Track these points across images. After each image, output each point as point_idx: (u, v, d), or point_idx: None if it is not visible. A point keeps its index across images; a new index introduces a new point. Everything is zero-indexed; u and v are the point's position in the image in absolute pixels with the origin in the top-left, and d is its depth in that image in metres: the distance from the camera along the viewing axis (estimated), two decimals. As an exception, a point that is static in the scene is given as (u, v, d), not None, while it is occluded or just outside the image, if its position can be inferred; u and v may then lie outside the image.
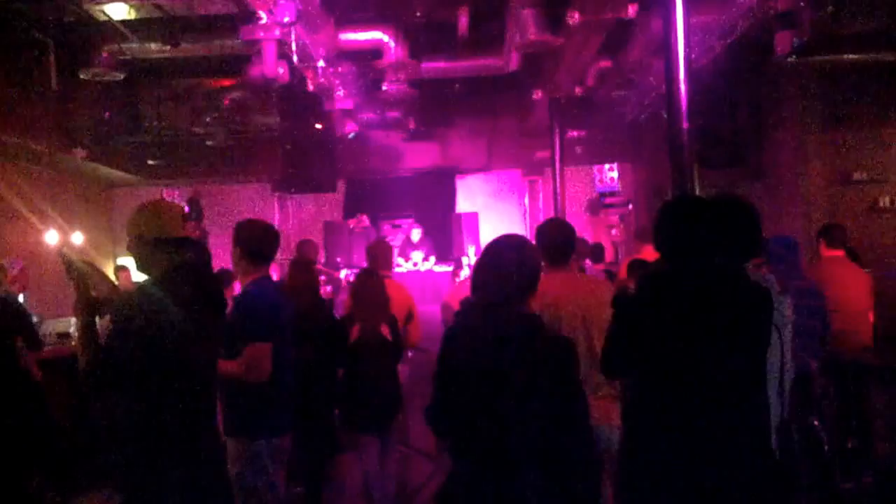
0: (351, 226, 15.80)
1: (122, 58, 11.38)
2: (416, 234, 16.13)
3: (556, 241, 5.03)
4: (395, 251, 13.62)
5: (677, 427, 3.39)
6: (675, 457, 3.37)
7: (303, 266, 7.42)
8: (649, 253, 8.73)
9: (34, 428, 7.72)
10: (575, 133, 16.58)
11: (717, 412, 3.36)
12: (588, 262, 11.31)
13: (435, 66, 13.33)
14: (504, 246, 3.58)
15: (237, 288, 5.98)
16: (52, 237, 11.57)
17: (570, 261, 5.13)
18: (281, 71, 10.19)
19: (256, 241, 5.19)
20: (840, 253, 8.00)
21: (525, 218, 18.99)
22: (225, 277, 7.56)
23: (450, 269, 15.20)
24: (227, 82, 14.04)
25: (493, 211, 18.43)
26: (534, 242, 4.42)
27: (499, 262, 3.50)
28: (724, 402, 3.37)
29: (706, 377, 3.37)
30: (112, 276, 11.74)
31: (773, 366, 3.92)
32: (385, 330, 6.54)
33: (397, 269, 14.04)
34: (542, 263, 4.59)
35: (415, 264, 15.49)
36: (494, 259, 3.53)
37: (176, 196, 16.47)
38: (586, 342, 4.69)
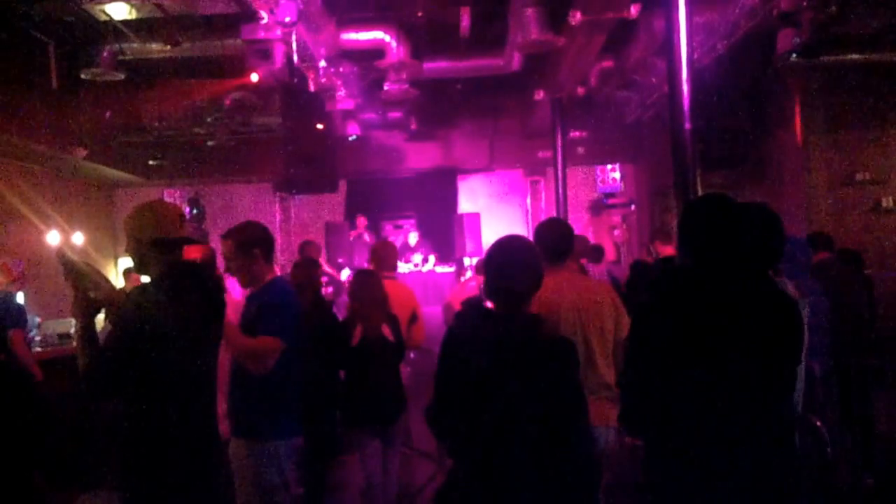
0: (351, 238, 15.77)
1: (122, 58, 11.37)
2: (413, 238, 16.13)
3: (554, 240, 4.99)
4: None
5: (699, 439, 3.28)
6: (696, 467, 3.28)
7: (305, 265, 7.40)
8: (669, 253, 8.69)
9: (33, 428, 7.70)
10: (577, 133, 16.57)
11: (741, 424, 3.25)
12: (585, 261, 11.30)
13: (437, 66, 13.29)
14: (515, 250, 3.59)
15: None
16: (53, 237, 11.54)
17: (567, 260, 5.10)
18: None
19: (269, 238, 5.19)
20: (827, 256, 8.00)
21: (527, 218, 18.95)
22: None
23: (451, 269, 15.20)
24: (228, 82, 13.99)
25: (495, 211, 18.40)
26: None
27: (513, 268, 3.51)
28: (748, 413, 3.26)
29: (729, 387, 3.25)
30: (113, 278, 11.73)
31: None
32: (386, 330, 6.50)
33: (401, 270, 14.01)
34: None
35: (415, 265, 15.46)
36: (508, 264, 3.53)
37: (177, 196, 16.49)
38: (583, 342, 4.69)
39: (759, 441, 3.26)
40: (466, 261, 15.16)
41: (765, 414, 3.29)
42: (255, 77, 10.34)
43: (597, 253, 12.21)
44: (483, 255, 13.84)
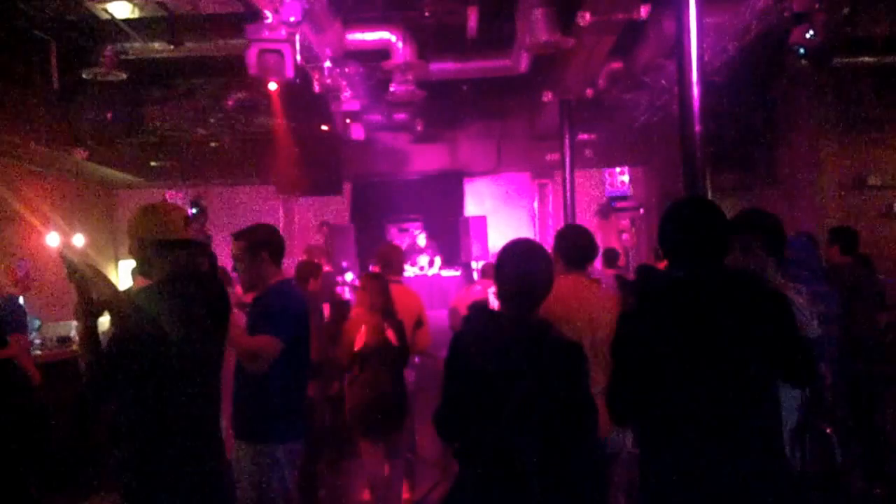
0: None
1: (124, 57, 11.27)
2: (422, 239, 16.04)
3: (577, 246, 5.08)
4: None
5: (689, 439, 3.28)
6: (687, 469, 3.26)
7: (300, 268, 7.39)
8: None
9: (31, 433, 7.65)
10: (585, 136, 16.46)
11: (730, 424, 3.25)
12: (598, 265, 11.21)
13: (443, 67, 13.22)
14: (528, 253, 3.61)
15: None
16: (53, 239, 11.45)
17: (586, 266, 5.18)
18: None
19: (278, 242, 5.24)
20: (850, 260, 7.90)
21: (534, 222, 18.87)
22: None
23: (457, 273, 15.11)
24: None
25: (501, 215, 18.30)
26: (547, 247, 4.34)
27: (527, 271, 3.52)
28: (736, 412, 3.25)
29: (717, 388, 3.26)
30: (113, 280, 11.62)
31: None
32: (391, 335, 6.50)
33: (406, 274, 13.93)
34: (559, 266, 4.86)
35: (421, 268, 15.39)
36: (522, 268, 3.54)
37: (179, 198, 16.37)
38: (591, 348, 4.65)
39: (745, 441, 3.24)
40: (473, 264, 15.09)
41: (749, 412, 3.28)
42: (273, 86, 10.25)
43: (611, 257, 12.14)
44: (489, 258, 13.78)
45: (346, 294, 12.14)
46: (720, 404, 3.23)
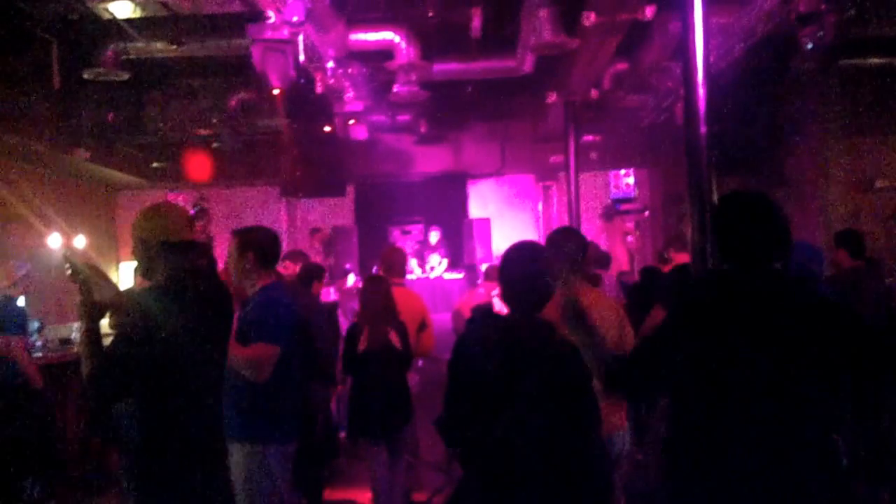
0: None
1: (126, 57, 11.22)
2: (434, 237, 16.00)
3: (568, 249, 4.99)
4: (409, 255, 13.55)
5: (724, 445, 3.12)
6: (727, 468, 3.11)
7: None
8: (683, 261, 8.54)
9: (33, 434, 7.63)
10: (590, 137, 16.39)
11: (770, 432, 3.09)
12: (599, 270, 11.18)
13: (447, 68, 13.14)
14: (533, 254, 3.63)
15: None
16: (54, 241, 11.42)
17: (578, 270, 5.13)
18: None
19: (269, 245, 5.25)
20: (861, 264, 7.85)
21: (538, 224, 18.81)
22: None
23: (460, 276, 15.08)
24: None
25: (505, 217, 18.29)
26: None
27: (531, 273, 3.51)
28: (788, 420, 3.11)
29: (761, 394, 3.09)
30: (116, 281, 11.59)
31: None
32: (394, 337, 6.52)
33: (409, 276, 13.88)
34: None
35: (431, 268, 15.37)
36: (527, 270, 3.53)
37: (181, 199, 16.31)
38: None
39: (790, 452, 3.12)
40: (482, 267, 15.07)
41: (800, 423, 3.13)
42: (276, 90, 10.24)
43: (604, 259, 12.09)
44: (493, 261, 13.72)
45: (331, 295, 12.08)
46: (772, 410, 3.08)
